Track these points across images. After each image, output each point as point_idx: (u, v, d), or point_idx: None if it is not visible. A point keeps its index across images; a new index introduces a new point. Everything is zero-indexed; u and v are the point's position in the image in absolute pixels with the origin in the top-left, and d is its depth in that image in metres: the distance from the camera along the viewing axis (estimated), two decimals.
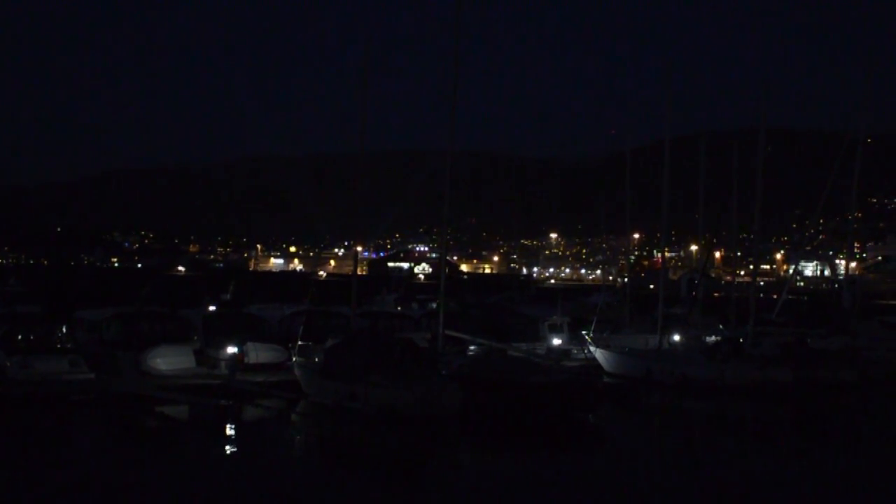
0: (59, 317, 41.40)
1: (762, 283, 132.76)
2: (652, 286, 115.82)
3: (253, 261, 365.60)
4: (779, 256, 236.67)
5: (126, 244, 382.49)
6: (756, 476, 25.70)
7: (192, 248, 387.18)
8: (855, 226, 70.71)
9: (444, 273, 42.13)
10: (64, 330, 39.47)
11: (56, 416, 30.63)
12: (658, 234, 65.08)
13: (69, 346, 37.02)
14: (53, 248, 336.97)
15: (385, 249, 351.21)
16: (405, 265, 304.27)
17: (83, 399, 32.08)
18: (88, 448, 27.57)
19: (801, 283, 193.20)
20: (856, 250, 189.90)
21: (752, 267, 64.20)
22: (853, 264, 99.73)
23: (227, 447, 28.37)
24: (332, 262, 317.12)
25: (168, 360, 37.01)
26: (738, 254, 73.70)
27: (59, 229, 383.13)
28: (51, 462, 24.93)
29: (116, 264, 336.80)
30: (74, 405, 31.63)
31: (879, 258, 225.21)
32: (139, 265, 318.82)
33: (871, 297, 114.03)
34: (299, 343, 36.81)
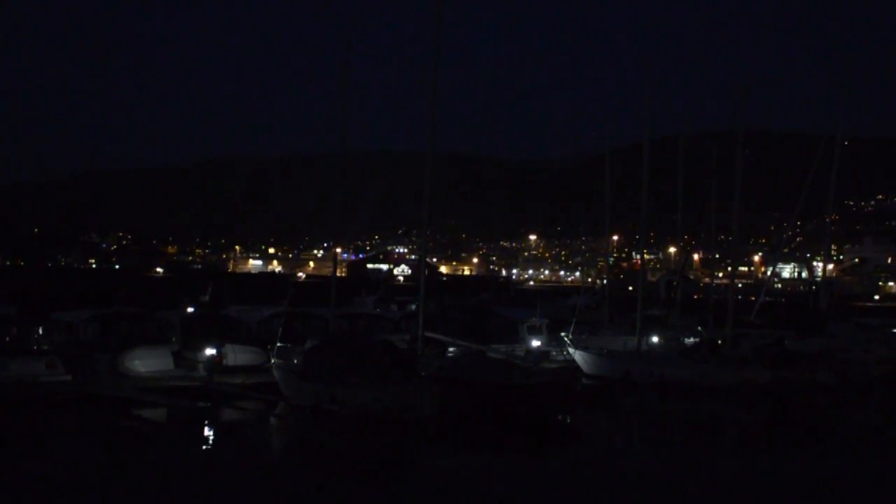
0: (35, 318, 41.02)
1: (740, 284, 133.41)
2: (631, 288, 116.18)
3: (231, 262, 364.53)
4: (757, 258, 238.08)
5: (103, 245, 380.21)
6: (733, 476, 25.81)
7: (170, 250, 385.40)
8: (832, 228, 71.14)
9: (424, 275, 42.12)
10: (40, 331, 39.13)
11: (32, 419, 30.39)
12: (637, 236, 65.26)
13: (46, 347, 36.73)
14: (30, 249, 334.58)
15: (364, 251, 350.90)
16: (384, 267, 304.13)
17: (60, 401, 31.85)
18: (65, 450, 27.34)
19: (779, 285, 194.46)
20: (833, 253, 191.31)
21: (730, 269, 64.52)
22: (830, 266, 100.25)
23: (205, 449, 28.23)
24: (311, 264, 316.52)
25: (146, 362, 36.76)
26: (717, 256, 73.89)
27: (35, 230, 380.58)
28: (27, 464, 24.75)
29: (94, 265, 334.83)
30: (51, 407, 31.40)
31: (856, 260, 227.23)
32: (117, 266, 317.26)
33: (848, 299, 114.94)
34: (278, 345, 36.67)
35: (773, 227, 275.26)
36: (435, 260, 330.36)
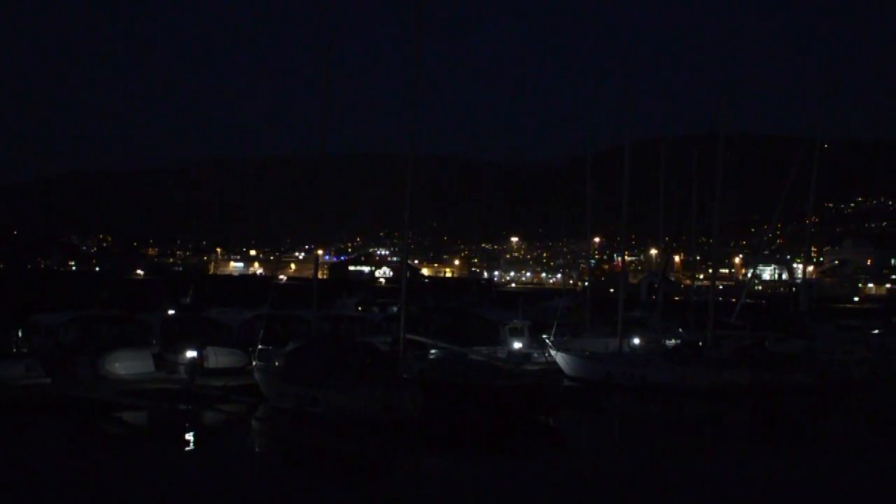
0: (14, 321, 40.80)
1: (721, 286, 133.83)
2: (612, 290, 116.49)
3: (212, 264, 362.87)
4: (737, 260, 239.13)
5: (84, 247, 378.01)
6: (715, 477, 25.90)
7: (151, 252, 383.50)
8: (812, 230, 71.53)
9: (406, 277, 42.05)
10: (20, 334, 38.91)
11: (12, 423, 30.18)
12: (618, 238, 65.41)
13: (25, 350, 36.50)
14: (9, 252, 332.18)
15: (346, 253, 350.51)
16: (366, 269, 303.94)
17: (39, 404, 31.64)
18: (45, 454, 27.16)
19: (759, 287, 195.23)
20: (813, 254, 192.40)
21: (711, 271, 64.72)
22: (810, 268, 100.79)
23: (187, 452, 28.11)
24: (293, 266, 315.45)
25: (127, 365, 36.63)
26: (698, 258, 74.20)
27: (15, 232, 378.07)
28: (7, 468, 24.58)
29: (74, 268, 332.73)
30: (31, 411, 31.19)
31: (836, 262, 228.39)
32: (97, 269, 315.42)
33: (828, 301, 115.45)
34: (259, 347, 36.57)
35: (753, 230, 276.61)
36: (417, 262, 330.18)
